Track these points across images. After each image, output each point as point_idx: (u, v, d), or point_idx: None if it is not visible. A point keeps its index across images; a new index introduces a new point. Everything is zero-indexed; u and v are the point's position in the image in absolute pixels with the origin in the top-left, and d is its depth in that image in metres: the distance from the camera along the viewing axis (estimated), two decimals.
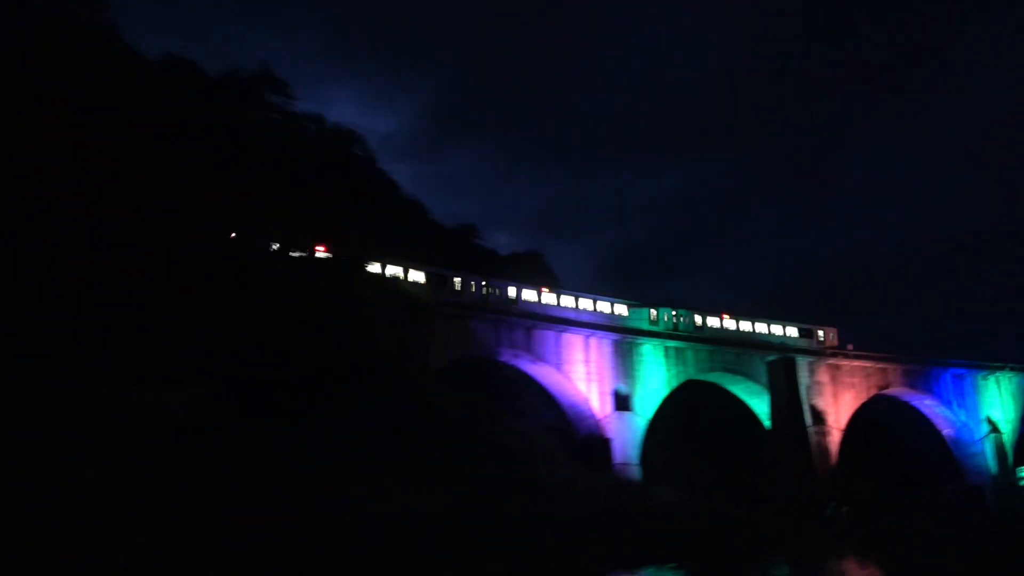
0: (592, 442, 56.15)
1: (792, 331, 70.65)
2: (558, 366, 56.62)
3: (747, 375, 67.52)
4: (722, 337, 66.86)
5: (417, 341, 44.24)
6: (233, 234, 36.97)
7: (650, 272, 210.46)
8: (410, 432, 31.31)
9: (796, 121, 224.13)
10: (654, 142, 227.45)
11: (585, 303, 60.23)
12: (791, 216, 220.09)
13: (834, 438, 68.04)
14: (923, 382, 76.61)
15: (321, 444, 27.41)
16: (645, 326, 62.11)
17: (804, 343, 70.13)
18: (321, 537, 21.94)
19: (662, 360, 62.41)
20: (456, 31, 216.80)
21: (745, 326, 68.29)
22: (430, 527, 24.89)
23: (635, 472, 56.31)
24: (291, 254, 39.79)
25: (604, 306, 61.37)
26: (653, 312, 63.10)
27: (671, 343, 62.98)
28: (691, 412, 68.03)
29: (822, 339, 71.26)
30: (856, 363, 73.05)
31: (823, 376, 70.28)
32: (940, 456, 78.16)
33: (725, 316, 66.90)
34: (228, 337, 29.68)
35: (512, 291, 56.72)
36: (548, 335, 56.71)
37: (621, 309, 61.78)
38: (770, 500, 60.37)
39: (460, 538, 25.49)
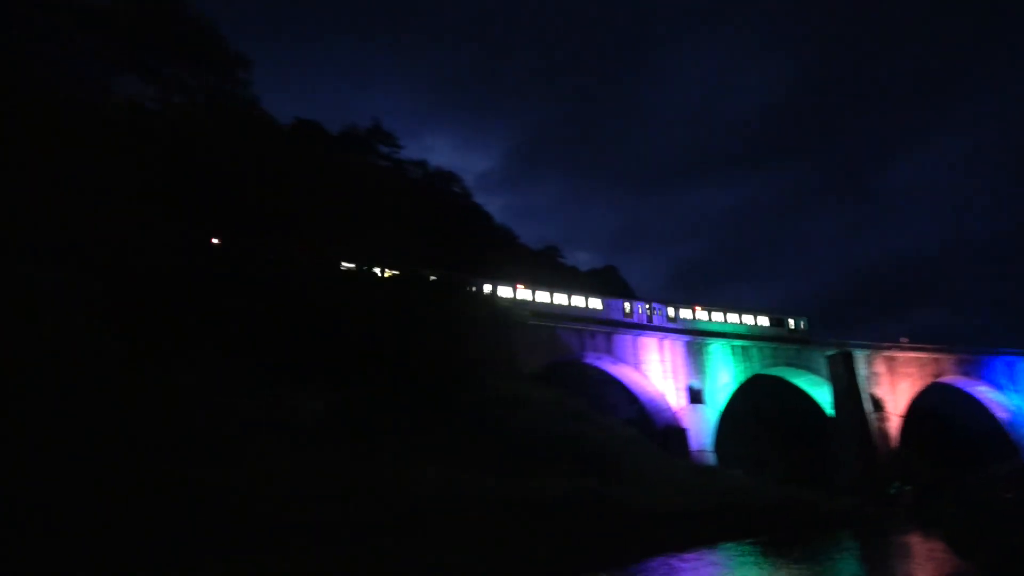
0: (670, 432, 55.50)
1: (763, 320, 65.08)
2: (636, 366, 56.23)
3: (808, 368, 65.14)
4: (780, 336, 65.22)
5: (512, 347, 45.08)
6: (352, 264, 38.71)
7: (715, 278, 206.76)
8: (507, 427, 31.90)
9: (846, 134, 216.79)
10: (714, 162, 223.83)
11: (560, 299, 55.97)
12: (844, 222, 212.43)
13: (894, 424, 64.75)
14: (975, 370, 72.07)
15: (431, 440, 28.19)
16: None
17: (773, 331, 65.00)
18: (445, 519, 22.59)
19: (730, 357, 60.82)
20: (536, 80, 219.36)
21: (717, 317, 62.75)
22: (530, 511, 25.34)
23: (711, 458, 55.03)
24: (405, 279, 41.31)
25: (578, 300, 57.02)
26: (627, 305, 59.63)
27: (737, 342, 61.63)
28: (760, 403, 66.45)
29: (792, 327, 66.17)
30: (910, 354, 69.32)
31: (879, 367, 67.01)
32: (996, 438, 73.89)
33: (697, 308, 62.07)
34: (353, 348, 31.08)
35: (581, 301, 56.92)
36: (626, 338, 56.50)
37: (595, 303, 57.68)
38: (835, 482, 58.44)
39: (558, 519, 25.85)
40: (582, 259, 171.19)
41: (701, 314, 62.09)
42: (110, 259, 22.65)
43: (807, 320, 67.80)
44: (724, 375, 60.08)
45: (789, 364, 64.64)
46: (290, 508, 19.47)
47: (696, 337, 59.85)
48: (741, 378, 61.26)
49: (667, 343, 58.14)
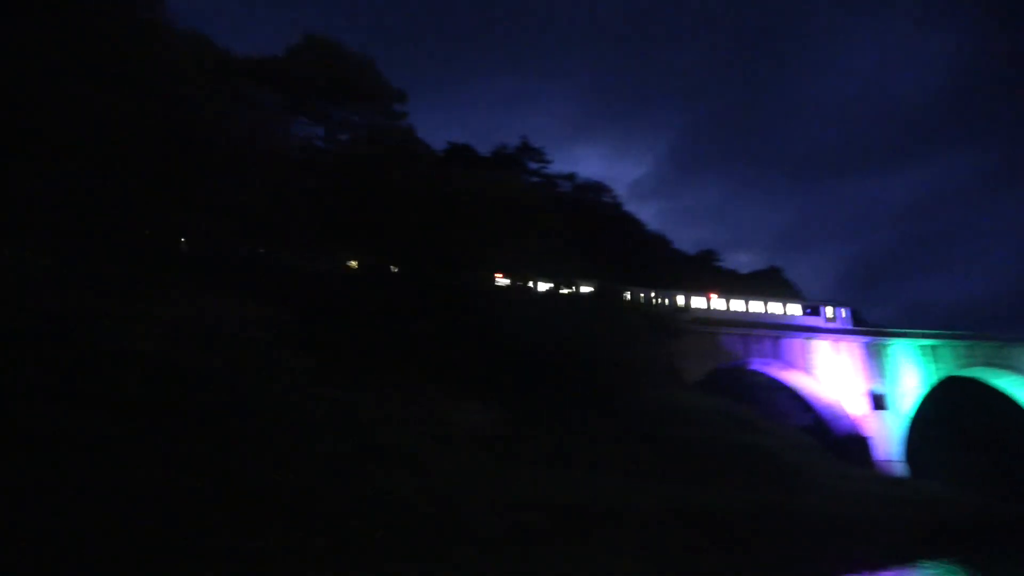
0: (850, 441, 51.83)
1: (795, 308, 56.53)
2: (808, 370, 53.19)
3: (1012, 368, 58.61)
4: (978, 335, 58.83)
5: (672, 355, 44.24)
6: (507, 279, 39.95)
7: (891, 274, 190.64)
8: (671, 436, 31.31)
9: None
10: (878, 152, 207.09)
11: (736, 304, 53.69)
12: None
13: None
14: None
15: (595, 450, 28.27)
16: None
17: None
18: (613, 529, 22.56)
19: (918, 358, 55.97)
20: (686, 82, 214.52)
21: (737, 305, 54.07)
22: (701, 522, 24.68)
23: (900, 468, 50.69)
24: (561, 291, 41.95)
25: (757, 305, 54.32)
26: (830, 310, 55.96)
27: (925, 341, 56.57)
28: (957, 407, 60.59)
29: (830, 317, 57.25)
30: None
31: None
32: None
33: (712, 296, 53.35)
34: (516, 362, 32.00)
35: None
36: (795, 342, 53.62)
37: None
38: None
39: (733, 531, 25.00)
40: (743, 261, 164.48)
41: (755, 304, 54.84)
42: (296, 287, 24.98)
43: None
44: (911, 378, 55.17)
45: (989, 364, 58.17)
46: (460, 516, 20.36)
47: (876, 338, 55.64)
48: (932, 381, 55.96)
49: (843, 345, 54.47)
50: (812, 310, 56.79)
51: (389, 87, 44.16)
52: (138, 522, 14.57)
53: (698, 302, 52.17)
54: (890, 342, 55.64)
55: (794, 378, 54.15)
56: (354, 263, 37.65)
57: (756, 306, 54.33)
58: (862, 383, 53.80)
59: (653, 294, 50.42)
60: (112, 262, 18.60)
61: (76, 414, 15.10)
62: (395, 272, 33.98)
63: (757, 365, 53.52)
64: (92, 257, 18.21)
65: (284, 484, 18.21)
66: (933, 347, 56.51)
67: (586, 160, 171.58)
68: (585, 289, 43.93)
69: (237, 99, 30.28)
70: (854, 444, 51.19)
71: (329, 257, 30.57)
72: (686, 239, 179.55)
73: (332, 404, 22.43)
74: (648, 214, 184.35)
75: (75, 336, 15.54)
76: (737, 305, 53.65)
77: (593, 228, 54.80)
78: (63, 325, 15.44)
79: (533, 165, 58.74)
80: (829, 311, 57.11)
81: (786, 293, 64.54)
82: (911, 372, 55.34)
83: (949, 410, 59.40)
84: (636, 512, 23.52)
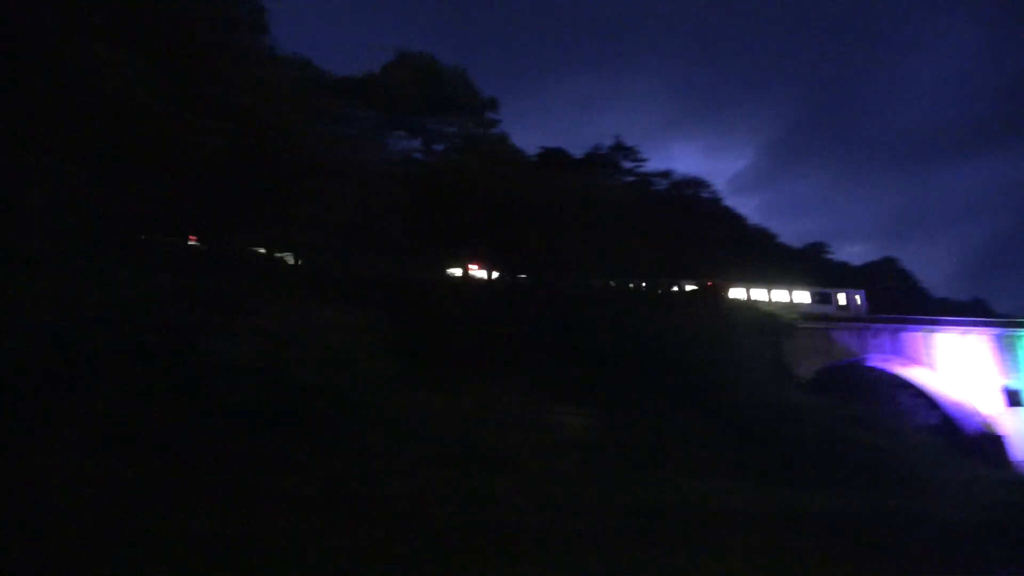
0: (983, 441, 47.96)
1: (803, 296, 50.67)
2: (932, 365, 49.68)
3: None
4: None
5: (778, 352, 42.45)
6: (606, 281, 39.46)
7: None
8: (780, 437, 29.90)
9: None
10: (996, 132, 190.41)
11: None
12: None
13: None
14: None
15: (699, 451, 27.40)
16: None
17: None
18: (717, 532, 21.78)
19: None
20: (783, 70, 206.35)
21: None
22: (814, 526, 23.43)
23: None
24: (659, 290, 41.18)
25: None
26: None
27: None
28: None
29: (842, 304, 51.38)
30: None
31: None
32: None
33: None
34: (615, 363, 31.54)
35: None
36: (916, 335, 50.14)
37: None
38: None
39: (849, 536, 23.58)
40: (854, 252, 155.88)
41: None
42: (396, 295, 25.69)
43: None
44: None
45: None
46: (562, 519, 20.20)
47: (1008, 329, 51.14)
48: None
49: (971, 337, 50.42)
50: (822, 297, 51.87)
51: (480, 96, 44.83)
52: (250, 523, 15.32)
53: (799, 297, 49.65)
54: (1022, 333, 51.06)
55: (917, 374, 50.59)
56: (451, 270, 38.35)
57: (759, 294, 50.31)
58: (995, 378, 49.60)
59: (757, 289, 48.53)
60: (222, 278, 19.73)
61: (194, 422, 16.07)
62: (490, 277, 34.33)
63: (875, 361, 50.38)
64: (204, 274, 19.38)
65: (388, 488, 18.70)
66: None
67: (682, 157, 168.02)
68: (688, 287, 42.82)
69: (336, 119, 31.49)
70: (987, 444, 47.21)
71: (426, 265, 31.28)
72: (791, 232, 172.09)
73: (431, 409, 22.83)
74: (749, 208, 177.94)
75: (191, 349, 16.51)
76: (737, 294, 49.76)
77: (692, 225, 53.32)
78: (180, 338, 16.43)
79: (627, 164, 57.71)
80: (841, 297, 52.23)
81: (902, 285, 60.54)
82: None
83: None
84: (746, 516, 22.59)
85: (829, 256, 72.76)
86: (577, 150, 57.81)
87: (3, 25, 15.02)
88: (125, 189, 16.72)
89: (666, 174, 63.39)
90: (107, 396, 15.26)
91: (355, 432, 19.69)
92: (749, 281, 50.50)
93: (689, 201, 60.11)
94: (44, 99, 16.27)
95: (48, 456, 14.37)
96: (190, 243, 24.20)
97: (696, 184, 65.19)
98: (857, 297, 53.08)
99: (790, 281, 52.30)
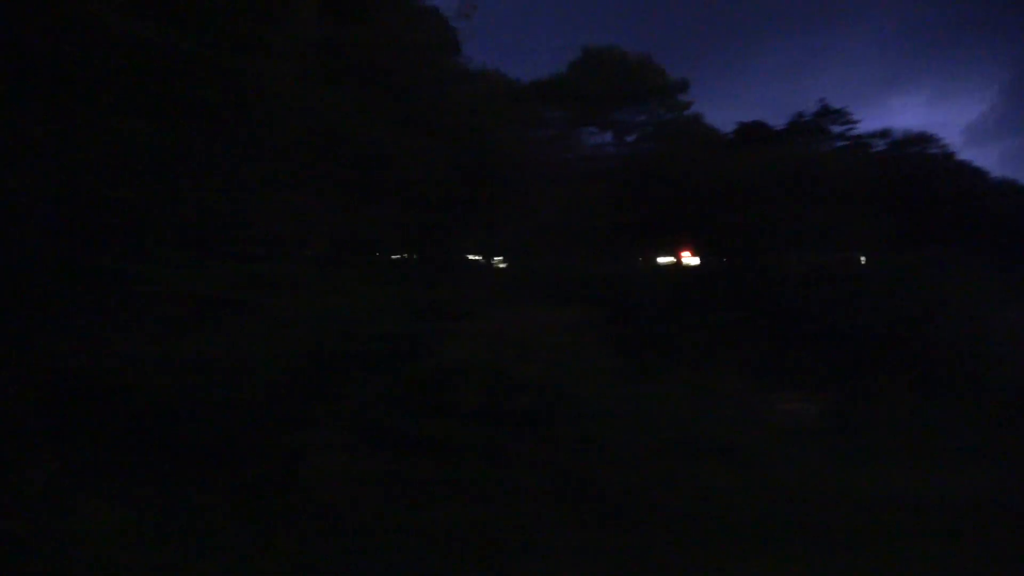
0: None
1: None
2: None
3: None
4: None
5: None
6: (819, 258, 36.70)
7: None
8: None
9: None
10: None
11: None
12: None
13: None
14: None
15: (942, 437, 24.58)
16: None
17: None
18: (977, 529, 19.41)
19: None
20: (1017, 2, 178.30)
21: None
22: None
23: None
24: (884, 262, 37.41)
25: None
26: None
27: None
28: None
29: None
30: None
31: None
32: None
33: None
34: (832, 342, 29.23)
35: None
36: None
37: None
38: None
39: None
40: None
41: None
42: (602, 290, 25.89)
43: None
44: None
45: None
46: (796, 514, 19.04)
47: None
48: None
49: None
50: None
51: (670, 80, 43.63)
52: (486, 514, 16.16)
53: None
54: None
55: None
56: (658, 258, 37.74)
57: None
58: None
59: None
60: (443, 287, 21.16)
61: (423, 422, 17.31)
62: (695, 263, 33.38)
63: None
64: (426, 284, 20.92)
65: (610, 480, 18.79)
66: None
67: (903, 112, 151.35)
68: (917, 254, 38.28)
69: (530, 123, 32.39)
70: None
71: (631, 256, 31.14)
72: None
73: (648, 400, 22.61)
74: (990, 159, 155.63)
75: (421, 353, 17.85)
76: None
77: (920, 185, 47.85)
78: (411, 345, 17.82)
79: (836, 128, 53.22)
80: None
81: None
82: None
83: None
84: (1009, 510, 19.81)
85: None
86: (778, 122, 54.39)
87: (256, 79, 17.20)
88: (358, 213, 18.52)
89: (884, 133, 57.49)
90: (354, 400, 16.95)
91: (575, 426, 20.03)
92: (995, 243, 44.41)
93: (915, 160, 54.00)
94: (288, 143, 18.47)
95: (313, 456, 16.25)
96: (409, 257, 26.15)
97: (922, 140, 58.36)
98: None
99: None
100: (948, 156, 59.28)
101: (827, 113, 53.62)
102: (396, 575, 13.33)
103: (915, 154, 56.09)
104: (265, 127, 19.02)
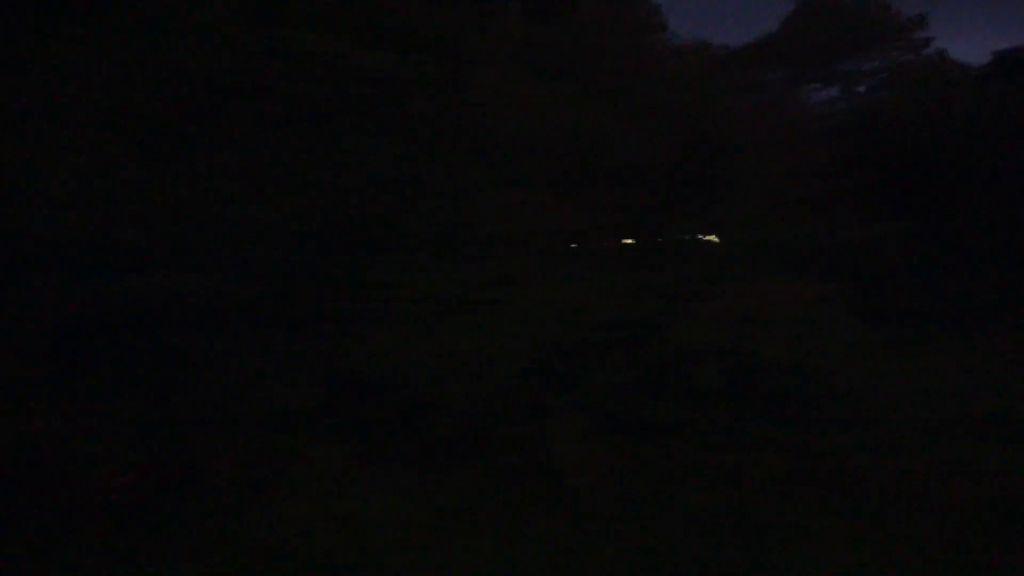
0: None
1: None
2: None
3: None
4: None
5: None
6: None
7: None
8: None
9: None
10: None
11: None
12: None
13: None
14: None
15: None
16: None
17: None
18: None
19: None
20: None
21: None
22: None
23: None
24: None
25: None
26: None
27: None
28: None
29: None
30: None
31: None
32: None
33: None
34: None
35: None
36: None
37: None
38: None
39: None
40: None
41: None
42: (842, 258, 23.97)
43: None
44: None
45: None
46: None
47: None
48: None
49: None
50: None
51: (900, 17, 38.81)
52: (740, 500, 15.62)
53: None
54: None
55: None
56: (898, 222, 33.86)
57: None
58: None
59: None
60: (673, 268, 20.83)
61: (664, 407, 17.11)
62: (949, 225, 29.35)
63: None
64: (655, 268, 20.71)
65: (872, 463, 17.32)
66: None
67: None
68: None
69: (747, 89, 30.69)
70: None
71: (870, 220, 28.21)
72: None
73: (904, 375, 20.62)
74: None
75: (660, 337, 17.73)
76: None
77: None
78: (648, 329, 17.76)
79: None
80: None
81: None
82: None
83: None
84: None
85: None
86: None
87: (474, 88, 18.11)
88: (580, 204, 18.79)
89: None
90: (595, 388, 17.24)
91: (827, 405, 18.73)
92: None
93: None
94: (508, 143, 19.22)
95: (559, 444, 16.78)
96: (630, 241, 25.99)
97: None
98: None
99: None
100: None
101: None
102: (653, 558, 13.37)
103: None
104: (485, 131, 19.97)
